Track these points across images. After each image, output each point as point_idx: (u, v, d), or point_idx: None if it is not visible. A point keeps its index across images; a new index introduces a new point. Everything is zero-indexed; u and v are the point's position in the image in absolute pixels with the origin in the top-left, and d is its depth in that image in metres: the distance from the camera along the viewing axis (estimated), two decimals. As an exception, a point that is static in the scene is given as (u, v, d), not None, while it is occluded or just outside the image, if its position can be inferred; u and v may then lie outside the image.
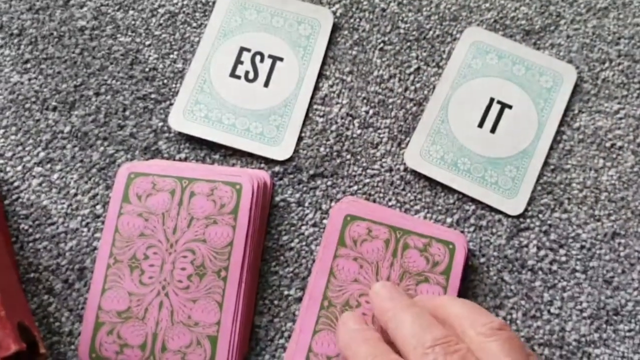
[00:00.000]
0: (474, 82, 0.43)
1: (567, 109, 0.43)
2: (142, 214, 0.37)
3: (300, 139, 0.42)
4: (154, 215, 0.37)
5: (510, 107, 0.42)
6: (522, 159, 0.42)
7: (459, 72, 0.43)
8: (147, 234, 0.37)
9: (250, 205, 0.37)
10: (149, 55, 0.44)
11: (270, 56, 0.44)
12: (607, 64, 0.44)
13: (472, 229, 0.41)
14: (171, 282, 0.36)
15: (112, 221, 0.38)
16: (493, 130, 0.42)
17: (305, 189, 0.41)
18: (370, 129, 0.43)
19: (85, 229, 0.40)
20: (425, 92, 0.43)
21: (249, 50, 0.44)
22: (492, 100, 0.43)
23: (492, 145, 0.42)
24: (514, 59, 0.44)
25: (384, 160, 0.42)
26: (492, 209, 0.41)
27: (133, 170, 0.38)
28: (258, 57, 0.44)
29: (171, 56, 0.44)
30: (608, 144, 0.43)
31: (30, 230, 0.40)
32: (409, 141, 0.42)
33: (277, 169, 0.42)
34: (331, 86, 0.43)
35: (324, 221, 0.41)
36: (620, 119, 0.43)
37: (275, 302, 0.39)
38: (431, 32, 0.45)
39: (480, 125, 0.42)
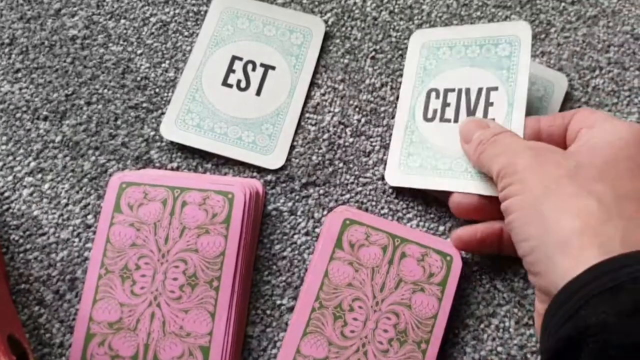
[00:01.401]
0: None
1: (558, 116, 0.43)
2: (134, 224, 0.37)
3: (292, 147, 0.42)
4: (146, 225, 0.37)
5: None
6: None
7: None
8: (139, 244, 0.37)
9: (242, 214, 0.37)
10: (141, 64, 0.44)
11: (262, 65, 0.44)
12: (597, 72, 0.45)
13: (464, 237, 0.41)
14: (163, 292, 0.36)
15: (104, 231, 0.37)
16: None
17: (297, 197, 0.41)
18: (363, 137, 0.43)
19: (77, 239, 0.40)
20: (417, 100, 0.44)
21: (240, 59, 0.44)
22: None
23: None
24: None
25: (376, 168, 0.42)
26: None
27: (124, 179, 0.38)
28: (250, 66, 0.44)
29: (163, 65, 0.44)
30: (599, 152, 0.43)
31: (21, 240, 0.39)
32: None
33: (269, 177, 0.42)
34: (323, 94, 0.44)
35: (317, 230, 0.41)
36: (611, 126, 0.43)
37: (268, 311, 0.39)
38: (423, 41, 0.45)
39: (456, 120, 0.42)
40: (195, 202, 0.37)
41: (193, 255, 0.37)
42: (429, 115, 0.42)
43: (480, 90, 0.41)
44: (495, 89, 0.41)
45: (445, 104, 0.42)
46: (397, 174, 0.41)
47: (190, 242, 0.37)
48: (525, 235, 0.30)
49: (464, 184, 0.40)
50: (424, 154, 0.41)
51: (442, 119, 0.41)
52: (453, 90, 0.42)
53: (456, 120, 0.41)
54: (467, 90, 0.41)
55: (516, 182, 0.31)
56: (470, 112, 0.41)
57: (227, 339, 0.36)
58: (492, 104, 0.40)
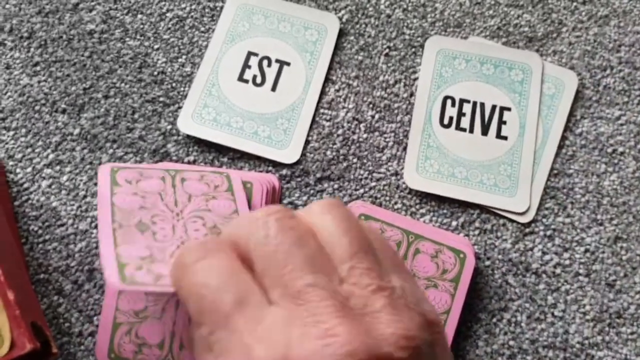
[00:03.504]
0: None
1: (569, 114, 0.44)
2: (137, 193, 0.34)
3: (306, 142, 0.43)
4: (150, 194, 0.34)
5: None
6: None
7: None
8: (148, 207, 0.34)
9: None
10: (158, 59, 0.44)
11: (277, 61, 0.44)
12: (608, 71, 0.45)
13: (477, 232, 0.41)
14: (188, 240, 0.33)
15: (107, 206, 0.33)
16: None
17: (312, 192, 0.42)
18: (376, 133, 0.43)
19: (95, 230, 0.40)
20: (431, 97, 0.44)
21: (256, 54, 0.44)
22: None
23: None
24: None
25: (389, 164, 0.43)
26: (496, 214, 0.41)
27: (114, 166, 0.36)
28: (265, 62, 0.44)
29: (179, 60, 0.44)
30: (610, 150, 0.43)
31: (40, 231, 0.40)
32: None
33: (284, 172, 0.42)
34: (337, 91, 0.44)
35: (331, 224, 0.41)
36: (622, 125, 0.44)
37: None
38: (436, 39, 0.45)
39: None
40: (194, 178, 0.36)
41: (207, 214, 0.34)
42: (445, 121, 0.43)
43: (494, 107, 0.43)
44: (509, 109, 0.43)
45: (460, 113, 0.43)
46: (416, 177, 0.42)
47: (201, 205, 0.35)
48: None
49: (478, 195, 0.41)
50: (440, 160, 0.42)
51: (458, 127, 0.43)
52: (468, 101, 0.43)
53: (471, 131, 0.43)
54: (482, 105, 0.43)
55: None
56: (485, 126, 0.43)
57: None
58: (505, 122, 0.43)
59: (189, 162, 0.42)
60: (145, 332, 0.36)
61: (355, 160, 0.43)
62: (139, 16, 0.45)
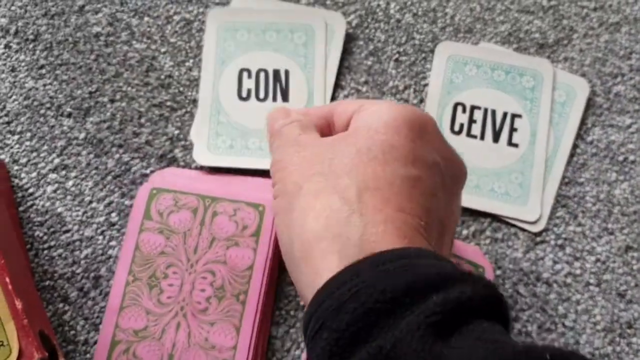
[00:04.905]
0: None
1: (581, 122, 0.43)
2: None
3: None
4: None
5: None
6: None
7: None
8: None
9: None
10: (165, 63, 0.44)
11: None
12: (619, 78, 0.45)
13: (488, 241, 0.41)
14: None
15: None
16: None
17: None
18: (386, 140, 0.43)
19: (101, 237, 0.39)
20: (441, 103, 0.44)
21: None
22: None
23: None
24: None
25: (399, 171, 0.42)
26: (507, 223, 0.41)
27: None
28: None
29: (187, 64, 0.44)
30: (621, 158, 0.43)
31: (45, 237, 0.39)
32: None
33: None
34: (347, 96, 0.44)
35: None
36: (632, 133, 0.43)
37: (292, 312, 0.39)
38: (447, 44, 0.45)
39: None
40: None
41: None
42: (456, 128, 0.42)
43: (505, 114, 0.43)
44: (520, 116, 0.43)
45: (471, 120, 0.42)
46: None
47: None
48: (282, 240, 0.27)
49: (489, 204, 0.41)
50: None
51: (469, 135, 0.42)
52: (479, 108, 0.43)
53: (482, 138, 0.42)
54: (493, 112, 0.43)
55: (278, 181, 0.28)
56: (496, 134, 0.43)
57: (250, 354, 0.36)
58: (516, 129, 0.43)
59: (195, 169, 0.41)
60: (142, 353, 0.35)
61: (364, 166, 0.42)
62: (146, 19, 0.45)
